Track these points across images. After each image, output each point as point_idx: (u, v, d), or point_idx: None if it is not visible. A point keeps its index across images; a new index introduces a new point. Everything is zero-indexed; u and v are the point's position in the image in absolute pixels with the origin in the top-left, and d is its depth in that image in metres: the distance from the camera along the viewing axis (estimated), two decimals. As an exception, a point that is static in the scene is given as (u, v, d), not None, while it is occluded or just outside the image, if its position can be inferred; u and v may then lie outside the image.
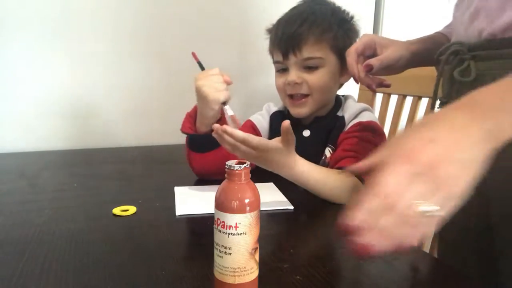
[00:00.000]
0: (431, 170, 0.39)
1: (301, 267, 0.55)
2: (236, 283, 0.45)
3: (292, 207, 0.76)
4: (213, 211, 0.73)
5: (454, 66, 0.67)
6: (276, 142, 0.71)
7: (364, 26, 1.45)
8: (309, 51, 0.91)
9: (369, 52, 0.80)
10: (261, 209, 0.74)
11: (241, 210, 0.44)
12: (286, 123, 0.70)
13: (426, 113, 1.05)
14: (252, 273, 0.45)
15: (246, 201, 0.44)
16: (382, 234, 0.39)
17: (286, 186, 0.86)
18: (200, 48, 1.29)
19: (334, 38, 0.92)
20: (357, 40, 0.82)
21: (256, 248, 0.46)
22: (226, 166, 0.46)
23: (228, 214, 0.44)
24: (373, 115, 0.96)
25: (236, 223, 0.44)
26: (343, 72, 0.96)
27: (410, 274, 0.55)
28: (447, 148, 0.40)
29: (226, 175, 0.46)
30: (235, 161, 0.46)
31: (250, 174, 0.46)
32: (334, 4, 0.98)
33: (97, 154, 1.18)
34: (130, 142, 1.29)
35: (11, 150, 1.19)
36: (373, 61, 0.76)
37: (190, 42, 1.29)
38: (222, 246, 0.45)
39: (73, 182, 0.89)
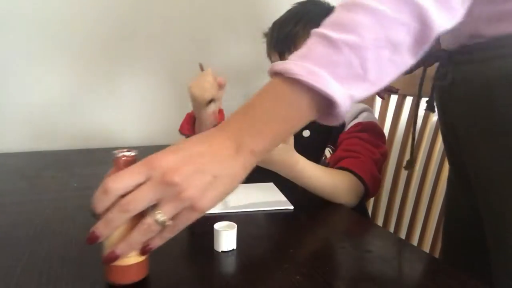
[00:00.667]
0: (163, 176, 0.40)
1: (301, 267, 0.55)
2: (113, 264, 0.47)
3: (292, 207, 0.76)
4: (213, 211, 0.73)
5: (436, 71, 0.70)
6: None
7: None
8: None
9: None
10: (261, 209, 0.75)
11: None
12: None
13: (426, 112, 1.05)
14: (129, 258, 0.47)
15: None
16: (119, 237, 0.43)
17: (286, 186, 0.86)
18: (200, 48, 1.31)
19: None
20: None
21: None
22: (113, 155, 0.47)
23: None
24: (372, 116, 0.96)
25: None
26: None
27: (410, 274, 0.55)
28: (190, 159, 0.42)
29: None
30: (121, 150, 0.48)
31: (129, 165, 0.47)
32: (328, 4, 0.99)
33: (97, 154, 1.18)
34: (130, 142, 1.29)
35: (11, 150, 1.18)
36: None
37: (191, 42, 1.29)
38: None
39: (73, 182, 0.89)
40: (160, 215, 0.42)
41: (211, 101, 0.82)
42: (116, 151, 0.48)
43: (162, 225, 0.42)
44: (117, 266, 0.47)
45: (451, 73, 0.65)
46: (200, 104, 0.82)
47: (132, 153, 0.48)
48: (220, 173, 0.42)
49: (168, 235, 0.44)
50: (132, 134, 1.30)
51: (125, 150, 0.48)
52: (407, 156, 1.09)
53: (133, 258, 0.48)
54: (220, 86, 0.84)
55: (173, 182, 0.40)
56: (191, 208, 0.42)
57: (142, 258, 0.49)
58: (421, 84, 0.76)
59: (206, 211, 0.43)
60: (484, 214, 0.65)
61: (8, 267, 0.53)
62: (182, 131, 0.89)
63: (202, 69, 0.88)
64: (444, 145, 0.79)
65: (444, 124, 0.74)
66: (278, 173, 0.76)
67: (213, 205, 0.43)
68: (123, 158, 0.47)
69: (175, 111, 1.31)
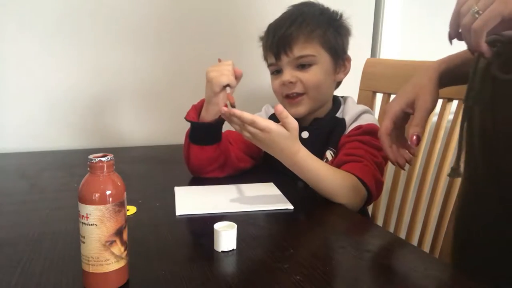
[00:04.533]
0: None
1: (301, 267, 0.55)
2: (90, 271, 0.48)
3: (292, 207, 0.76)
4: (213, 211, 0.73)
5: (491, 60, 0.59)
6: (280, 125, 0.75)
7: (364, 27, 1.46)
8: (300, 49, 0.92)
9: (400, 120, 0.76)
10: (261, 209, 0.75)
11: (90, 201, 0.46)
12: (279, 107, 0.73)
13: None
14: (107, 265, 0.47)
15: (96, 194, 0.46)
16: None
17: (286, 186, 0.86)
18: (200, 48, 1.31)
19: (324, 36, 0.94)
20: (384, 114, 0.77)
21: (113, 242, 0.47)
22: (89, 160, 0.48)
23: (80, 204, 0.47)
24: (373, 117, 0.96)
25: (86, 214, 0.46)
26: (337, 69, 0.98)
27: (410, 274, 0.55)
28: None
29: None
30: (97, 155, 0.48)
31: (106, 169, 0.48)
32: (322, 5, 1.00)
33: (97, 154, 1.17)
34: (130, 142, 1.29)
35: (11, 150, 1.18)
36: (417, 131, 0.71)
37: (191, 42, 1.29)
38: (80, 234, 0.48)
39: (73, 182, 0.89)
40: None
41: (226, 86, 0.85)
42: (91, 156, 0.48)
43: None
44: (96, 273, 0.47)
45: None
46: (214, 86, 0.84)
47: (109, 158, 0.48)
48: None
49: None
50: (132, 134, 1.30)
51: (100, 155, 0.48)
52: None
53: (112, 265, 0.48)
54: (237, 76, 0.87)
55: None
56: None
57: (122, 264, 0.49)
58: (471, 80, 0.65)
59: None
60: None
61: (8, 267, 0.53)
62: (188, 118, 0.90)
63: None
64: (476, 149, 0.68)
65: (494, 131, 0.63)
66: (279, 159, 0.78)
67: None
68: (99, 164, 0.47)
69: (175, 111, 1.30)
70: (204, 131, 0.89)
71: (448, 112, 1.02)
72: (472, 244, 0.73)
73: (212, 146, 0.90)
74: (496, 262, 0.67)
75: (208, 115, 0.88)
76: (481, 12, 0.51)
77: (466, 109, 0.67)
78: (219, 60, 0.90)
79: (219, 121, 0.89)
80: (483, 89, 0.63)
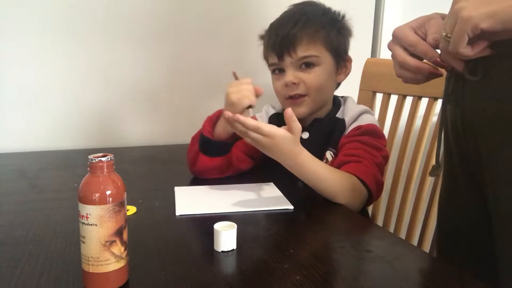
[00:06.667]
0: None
1: (301, 267, 0.55)
2: (90, 271, 0.48)
3: (292, 207, 0.76)
4: (213, 211, 0.73)
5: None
6: (283, 129, 0.75)
7: (364, 26, 1.46)
8: (303, 51, 0.91)
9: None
10: (261, 209, 0.75)
11: (90, 201, 0.46)
12: (289, 110, 0.74)
13: (426, 112, 1.05)
14: (107, 265, 0.47)
15: (96, 194, 0.47)
16: None
17: (286, 186, 0.86)
18: (199, 48, 1.31)
19: (327, 37, 0.93)
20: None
21: (114, 242, 0.47)
22: (89, 160, 0.48)
23: (80, 204, 0.47)
24: (372, 118, 0.96)
25: (86, 214, 0.46)
26: (339, 70, 0.98)
27: (410, 274, 0.55)
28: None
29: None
30: (97, 155, 0.48)
31: (106, 169, 0.48)
32: (324, 5, 1.00)
33: (97, 154, 1.17)
34: (130, 142, 1.29)
35: (11, 150, 1.18)
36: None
37: (191, 42, 1.28)
38: (80, 234, 0.48)
39: (73, 182, 0.89)
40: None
41: (248, 107, 0.84)
42: (91, 156, 0.48)
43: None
44: (96, 273, 0.47)
45: (481, 68, 0.62)
46: (237, 109, 0.83)
47: (109, 158, 0.48)
48: None
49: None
50: (132, 134, 1.30)
51: (100, 155, 0.48)
52: (408, 156, 1.10)
53: (112, 265, 0.48)
54: (257, 95, 0.86)
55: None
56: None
57: (122, 264, 0.49)
58: (447, 80, 0.72)
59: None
60: (498, 215, 0.64)
61: (8, 267, 0.53)
62: (205, 134, 0.90)
63: (236, 77, 0.89)
64: (451, 143, 0.74)
65: (462, 123, 0.69)
66: (280, 162, 0.78)
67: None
68: (99, 164, 0.47)
69: (176, 111, 1.31)
70: (218, 146, 0.90)
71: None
72: (453, 239, 0.77)
73: (221, 157, 0.91)
74: (473, 259, 0.70)
75: (224, 134, 0.89)
76: (449, 35, 0.55)
77: (442, 109, 0.74)
78: (234, 74, 0.89)
79: (235, 138, 0.90)
80: (455, 90, 0.69)
